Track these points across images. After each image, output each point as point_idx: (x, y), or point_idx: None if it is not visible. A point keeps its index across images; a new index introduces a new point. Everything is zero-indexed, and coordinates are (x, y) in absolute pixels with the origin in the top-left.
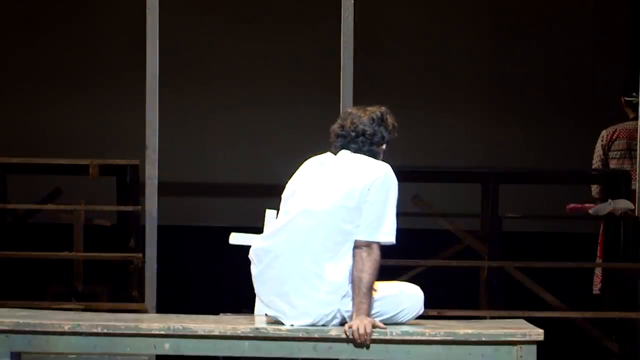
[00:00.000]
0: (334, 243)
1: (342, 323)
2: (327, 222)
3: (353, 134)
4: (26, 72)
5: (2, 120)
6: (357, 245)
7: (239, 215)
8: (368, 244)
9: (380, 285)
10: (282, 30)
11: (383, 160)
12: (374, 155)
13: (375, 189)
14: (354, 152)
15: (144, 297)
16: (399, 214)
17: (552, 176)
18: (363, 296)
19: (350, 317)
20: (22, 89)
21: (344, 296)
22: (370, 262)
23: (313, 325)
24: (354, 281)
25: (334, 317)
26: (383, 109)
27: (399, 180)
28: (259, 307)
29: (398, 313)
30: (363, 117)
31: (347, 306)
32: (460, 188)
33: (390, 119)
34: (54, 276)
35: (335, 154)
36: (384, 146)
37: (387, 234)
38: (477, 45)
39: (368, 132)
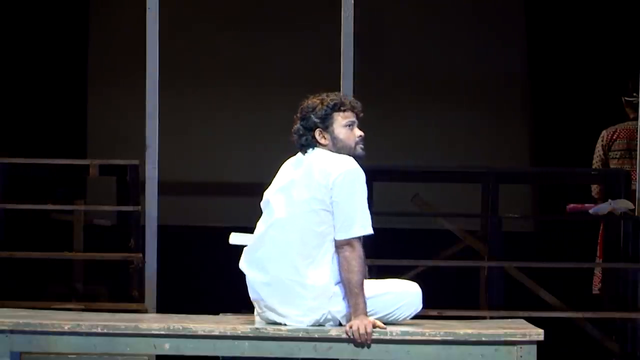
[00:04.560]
0: (311, 248)
1: (339, 323)
2: (299, 229)
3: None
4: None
5: (4, 120)
6: (338, 246)
7: (239, 215)
8: (348, 242)
9: (376, 283)
10: (282, 30)
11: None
12: (312, 144)
13: (338, 187)
14: (304, 150)
15: (144, 297)
16: (398, 214)
17: (552, 176)
18: (356, 296)
19: (347, 317)
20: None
21: (331, 297)
22: (354, 259)
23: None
24: (344, 283)
25: (325, 320)
26: (313, 99)
27: (400, 180)
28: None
29: (395, 310)
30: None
31: (336, 306)
32: (460, 188)
33: (321, 102)
34: (54, 276)
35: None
36: (318, 130)
37: (363, 227)
38: (477, 44)
39: (294, 130)
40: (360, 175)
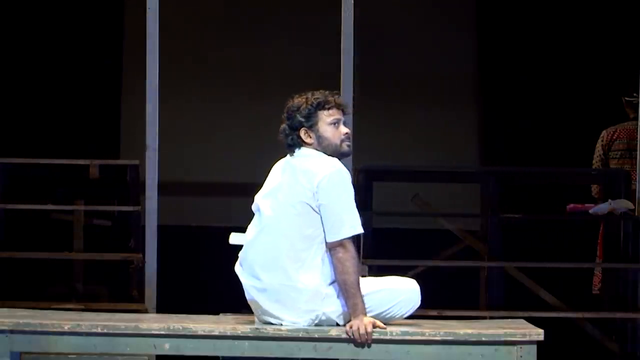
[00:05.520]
0: (300, 251)
1: (336, 323)
2: (287, 233)
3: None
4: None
5: (4, 121)
6: (330, 248)
7: (239, 215)
8: (340, 243)
9: (372, 280)
10: (282, 30)
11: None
12: (297, 143)
13: (323, 191)
14: (292, 150)
15: (144, 297)
16: (398, 214)
17: (552, 176)
18: (354, 296)
19: (342, 316)
20: (20, 89)
21: (324, 298)
22: (348, 260)
23: None
24: (341, 285)
25: (321, 321)
26: (298, 98)
27: (400, 180)
28: None
29: (392, 307)
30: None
31: (330, 307)
32: (460, 188)
33: (305, 100)
34: (54, 276)
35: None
36: (303, 129)
37: (353, 227)
38: (476, 44)
39: (280, 130)
40: (345, 176)
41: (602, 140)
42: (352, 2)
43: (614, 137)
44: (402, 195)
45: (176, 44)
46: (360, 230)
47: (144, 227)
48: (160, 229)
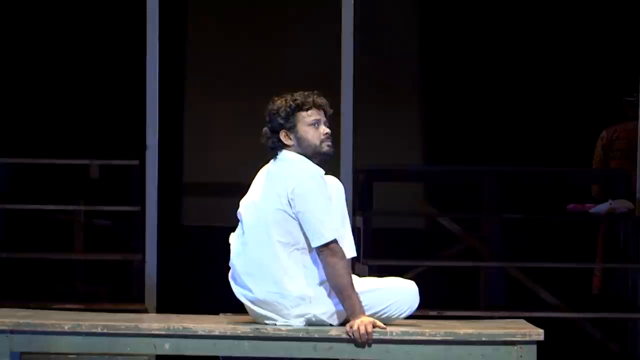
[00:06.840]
0: (281, 258)
1: (329, 324)
2: (268, 242)
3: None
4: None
5: (2, 120)
6: (318, 252)
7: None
8: (326, 247)
9: (371, 280)
10: (282, 30)
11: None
12: (278, 146)
13: (298, 199)
14: (274, 153)
15: (144, 297)
16: (398, 214)
17: (552, 176)
18: (349, 298)
19: (335, 316)
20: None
21: (311, 302)
22: (338, 263)
23: None
24: (334, 289)
25: (312, 323)
26: (278, 100)
27: (400, 180)
28: None
29: (390, 306)
30: None
31: (319, 309)
32: (460, 188)
33: (285, 102)
34: (54, 276)
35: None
36: (283, 131)
37: (335, 230)
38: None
39: (262, 134)
40: (318, 181)
41: (602, 140)
42: (352, 2)
43: (614, 137)
44: (402, 195)
45: (176, 43)
46: (341, 232)
47: (144, 227)
48: (161, 229)
